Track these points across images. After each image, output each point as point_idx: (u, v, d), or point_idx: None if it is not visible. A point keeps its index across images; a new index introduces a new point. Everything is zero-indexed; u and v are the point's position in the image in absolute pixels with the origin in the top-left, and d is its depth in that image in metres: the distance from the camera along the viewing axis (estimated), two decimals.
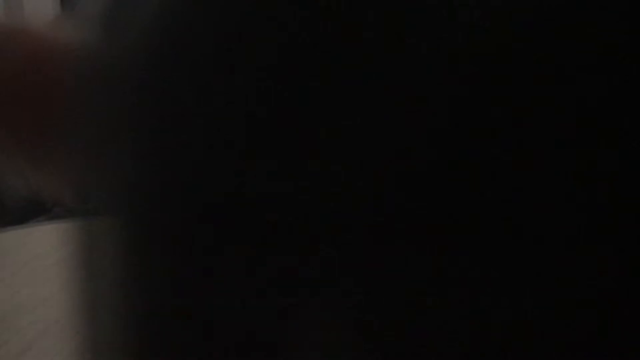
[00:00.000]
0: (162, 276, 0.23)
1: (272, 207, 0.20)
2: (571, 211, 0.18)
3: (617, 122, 0.18)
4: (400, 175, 0.19)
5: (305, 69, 0.20)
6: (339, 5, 0.19)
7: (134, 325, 0.25)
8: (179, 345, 0.23)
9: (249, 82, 0.20)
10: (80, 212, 0.29)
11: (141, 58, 0.23)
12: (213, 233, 0.22)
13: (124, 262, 0.25)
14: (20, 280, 1.16)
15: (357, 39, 0.19)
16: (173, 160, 0.22)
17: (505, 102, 0.18)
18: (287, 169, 0.20)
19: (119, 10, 0.24)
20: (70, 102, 0.28)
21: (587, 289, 0.18)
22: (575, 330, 0.18)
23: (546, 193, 0.18)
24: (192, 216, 0.22)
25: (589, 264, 0.18)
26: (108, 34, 0.25)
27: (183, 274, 0.23)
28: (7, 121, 0.36)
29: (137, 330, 0.25)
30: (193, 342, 0.23)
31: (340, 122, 0.19)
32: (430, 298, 0.19)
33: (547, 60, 0.18)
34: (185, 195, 0.22)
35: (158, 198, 0.23)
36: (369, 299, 0.20)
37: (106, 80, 0.25)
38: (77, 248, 0.29)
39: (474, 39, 0.18)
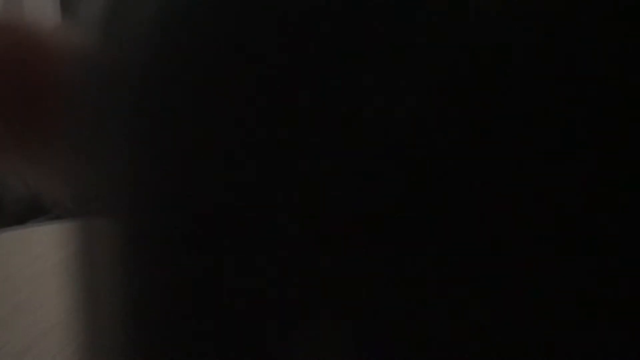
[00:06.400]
0: (162, 277, 0.23)
1: (269, 211, 0.20)
2: (568, 213, 0.18)
3: (618, 123, 0.18)
4: (394, 178, 0.19)
5: (306, 72, 0.20)
6: (340, 8, 0.19)
7: (133, 326, 0.25)
8: (178, 346, 0.23)
9: (247, 85, 0.20)
10: (79, 212, 0.29)
11: (140, 59, 0.23)
12: (212, 234, 0.22)
13: (124, 263, 0.24)
14: (20, 281, 1.16)
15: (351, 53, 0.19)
16: (171, 161, 0.22)
17: (502, 104, 0.18)
18: (281, 174, 0.20)
19: (119, 12, 0.24)
20: (70, 103, 0.28)
21: (585, 291, 0.18)
22: (572, 332, 0.18)
23: (541, 194, 0.18)
24: (191, 217, 0.22)
25: (586, 265, 0.18)
26: (107, 35, 0.25)
27: (182, 275, 0.22)
28: (6, 121, 0.36)
29: (137, 331, 0.25)
30: (192, 342, 0.23)
31: (333, 127, 0.19)
32: (425, 307, 0.19)
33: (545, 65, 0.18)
34: (183, 196, 0.22)
35: (157, 198, 0.23)
36: (364, 309, 0.20)
37: (105, 81, 0.25)
38: (77, 249, 0.29)
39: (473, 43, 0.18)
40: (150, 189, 0.23)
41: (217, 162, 0.21)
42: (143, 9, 0.23)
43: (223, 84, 0.21)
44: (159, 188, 0.23)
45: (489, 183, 0.18)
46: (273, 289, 0.21)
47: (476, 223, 0.18)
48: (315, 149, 0.20)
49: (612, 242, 0.18)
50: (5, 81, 0.35)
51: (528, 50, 0.18)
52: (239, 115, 0.21)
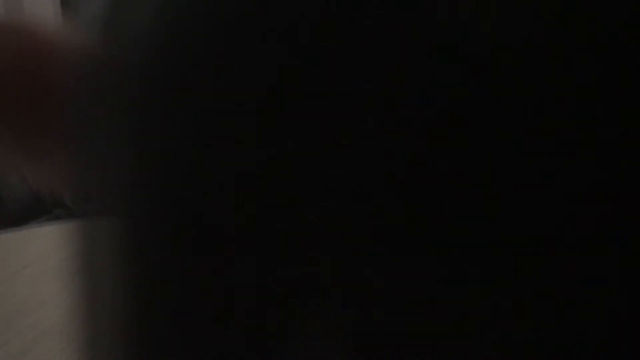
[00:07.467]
0: (162, 277, 0.23)
1: (269, 211, 0.20)
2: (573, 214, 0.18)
3: (618, 122, 0.18)
4: (398, 179, 0.19)
5: (307, 73, 0.20)
6: (343, 11, 0.19)
7: (133, 327, 0.25)
8: (178, 346, 0.23)
9: (248, 84, 0.20)
10: (80, 213, 0.29)
11: (141, 59, 0.23)
12: (212, 235, 0.21)
13: (124, 264, 0.24)
14: (20, 281, 1.16)
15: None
16: (172, 160, 0.22)
17: (505, 104, 0.18)
18: (282, 174, 0.20)
19: (119, 11, 0.24)
20: (71, 102, 0.28)
21: (589, 292, 0.18)
22: (576, 333, 0.18)
23: (549, 195, 0.18)
24: (192, 218, 0.22)
25: (592, 267, 0.18)
26: (108, 33, 0.25)
27: (182, 276, 0.22)
28: (7, 121, 0.36)
29: (136, 331, 0.25)
30: (192, 342, 0.23)
31: (334, 126, 0.19)
32: (428, 308, 0.19)
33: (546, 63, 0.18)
34: (184, 196, 0.22)
35: (158, 198, 0.23)
36: (363, 311, 0.20)
37: (106, 81, 0.25)
38: (77, 249, 0.29)
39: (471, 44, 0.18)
40: (151, 189, 0.23)
41: (218, 161, 0.21)
42: (143, 8, 0.23)
43: (224, 83, 0.21)
44: (160, 188, 0.23)
45: (493, 184, 0.18)
46: (273, 289, 0.21)
47: (480, 223, 0.18)
48: (317, 150, 0.20)
49: (613, 242, 0.18)
50: (6, 81, 0.35)
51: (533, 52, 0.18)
52: (240, 114, 0.21)
